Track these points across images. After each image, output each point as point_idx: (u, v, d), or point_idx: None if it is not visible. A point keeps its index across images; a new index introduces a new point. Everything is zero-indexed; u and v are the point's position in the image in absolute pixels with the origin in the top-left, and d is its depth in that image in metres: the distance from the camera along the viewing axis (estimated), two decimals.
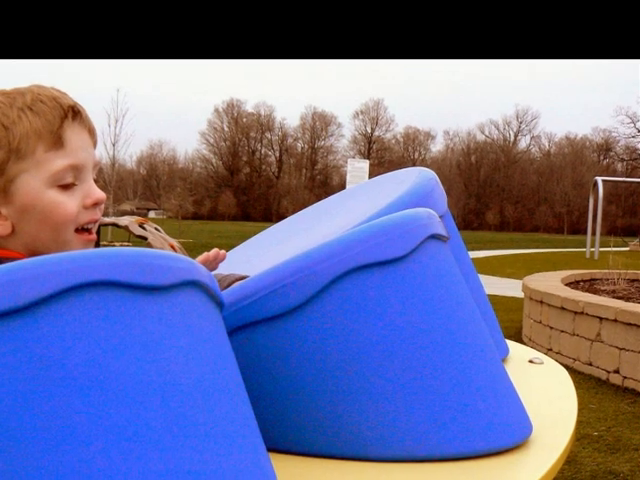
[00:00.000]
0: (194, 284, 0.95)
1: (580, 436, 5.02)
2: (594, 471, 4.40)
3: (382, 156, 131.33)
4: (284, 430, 1.29)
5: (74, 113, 1.37)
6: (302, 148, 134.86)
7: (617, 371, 6.65)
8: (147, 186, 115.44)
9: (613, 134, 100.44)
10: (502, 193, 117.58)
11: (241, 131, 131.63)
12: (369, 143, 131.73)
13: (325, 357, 1.26)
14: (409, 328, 1.28)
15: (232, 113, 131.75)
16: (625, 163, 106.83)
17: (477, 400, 1.31)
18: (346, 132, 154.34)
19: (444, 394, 1.28)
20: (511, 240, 54.04)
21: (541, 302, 8.45)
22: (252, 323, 1.28)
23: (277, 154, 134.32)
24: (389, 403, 1.26)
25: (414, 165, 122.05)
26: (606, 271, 10.49)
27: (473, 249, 36.52)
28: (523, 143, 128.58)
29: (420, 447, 1.26)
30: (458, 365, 1.31)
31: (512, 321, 10.61)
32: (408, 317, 1.29)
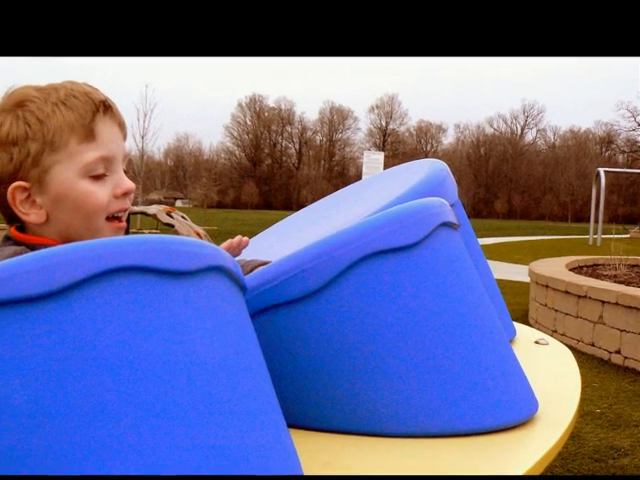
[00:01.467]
0: (218, 269, 0.94)
1: (583, 413, 5.00)
2: (596, 446, 4.38)
3: (396, 148, 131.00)
4: (304, 407, 1.29)
5: (105, 107, 1.37)
6: (321, 141, 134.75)
7: (618, 351, 6.62)
8: (174, 177, 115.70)
9: (615, 127, 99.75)
10: (510, 183, 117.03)
11: (263, 124, 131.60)
12: (384, 136, 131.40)
13: (342, 338, 1.25)
14: (422, 311, 1.27)
15: (254, 107, 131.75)
16: (626, 155, 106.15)
17: (486, 379, 1.29)
18: (362, 125, 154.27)
19: (455, 373, 1.27)
20: (518, 227, 53.77)
21: (546, 286, 8.40)
22: (273, 306, 1.27)
23: (297, 146, 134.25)
24: (403, 382, 1.25)
25: (426, 157, 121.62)
26: (608, 257, 10.42)
27: (482, 236, 36.36)
28: (529, 136, 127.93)
29: (433, 423, 1.25)
30: (468, 346, 1.30)
31: (519, 304, 10.56)
32: (421, 300, 1.28)
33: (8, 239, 1.38)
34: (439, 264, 1.33)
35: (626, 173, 48.09)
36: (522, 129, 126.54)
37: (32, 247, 1.31)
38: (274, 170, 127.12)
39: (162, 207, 12.76)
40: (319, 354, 1.26)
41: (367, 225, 1.28)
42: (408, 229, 1.29)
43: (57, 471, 0.75)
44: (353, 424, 1.26)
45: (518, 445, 1.29)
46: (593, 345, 7.06)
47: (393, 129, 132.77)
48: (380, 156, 22.58)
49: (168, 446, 0.79)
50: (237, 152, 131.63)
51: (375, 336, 1.25)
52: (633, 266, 9.94)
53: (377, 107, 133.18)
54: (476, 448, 1.25)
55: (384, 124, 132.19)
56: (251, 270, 1.66)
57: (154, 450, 0.78)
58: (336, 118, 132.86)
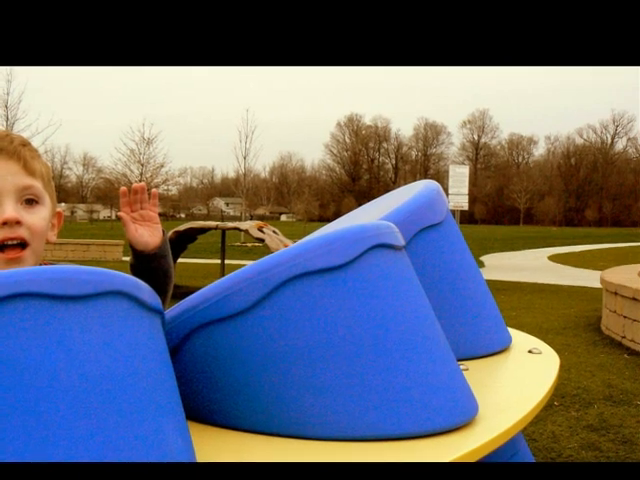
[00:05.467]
0: (116, 293, 1.00)
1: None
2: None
3: (488, 161, 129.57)
4: (235, 410, 1.35)
5: None
6: (416, 155, 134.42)
7: None
8: (279, 193, 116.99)
9: None
10: (600, 192, 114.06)
11: (361, 142, 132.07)
12: (476, 149, 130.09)
13: (270, 352, 1.30)
14: (347, 326, 1.31)
15: (352, 126, 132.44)
16: None
17: (409, 390, 1.32)
18: (455, 140, 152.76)
19: (376, 386, 1.30)
20: (608, 235, 52.35)
21: (615, 293, 8.21)
22: (212, 322, 1.33)
23: (393, 162, 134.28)
24: (326, 391, 1.29)
25: (518, 168, 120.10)
26: None
27: (570, 244, 35.61)
28: (620, 145, 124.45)
29: (355, 428, 1.29)
30: (387, 359, 1.32)
31: (595, 310, 10.34)
32: (347, 317, 1.32)
33: None
34: (368, 283, 1.36)
35: None
36: (612, 138, 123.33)
37: None
38: (372, 185, 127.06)
39: (254, 223, 12.97)
40: (249, 364, 1.31)
41: (296, 248, 1.33)
42: (336, 251, 1.34)
43: None
44: (277, 427, 1.31)
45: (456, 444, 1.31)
46: None
47: (485, 142, 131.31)
48: (465, 169, 22.40)
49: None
50: (337, 168, 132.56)
51: (302, 350, 1.29)
52: None
53: (469, 122, 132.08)
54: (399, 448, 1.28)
55: (476, 138, 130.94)
56: None
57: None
58: (430, 134, 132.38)
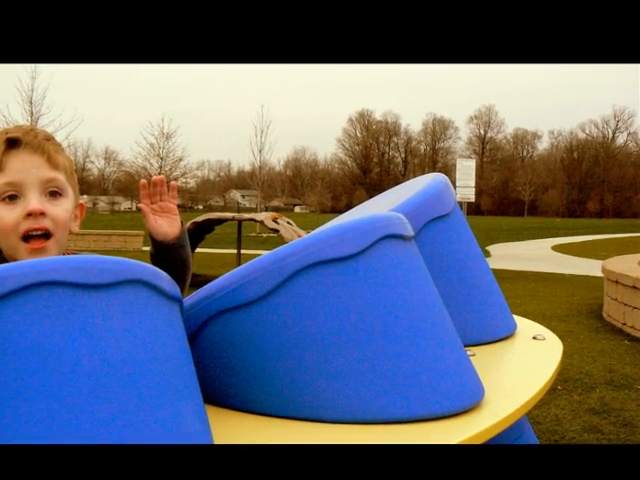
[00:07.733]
0: (136, 282, 1.00)
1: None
2: None
3: (494, 155, 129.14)
4: (252, 395, 1.34)
5: (10, 144, 1.49)
6: (424, 150, 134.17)
7: None
8: (293, 185, 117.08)
9: None
10: (602, 184, 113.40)
11: (371, 136, 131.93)
12: (483, 144, 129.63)
13: (285, 338, 1.30)
14: (358, 313, 1.31)
15: (363, 121, 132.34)
16: None
17: (417, 375, 1.32)
18: (462, 135, 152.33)
19: (386, 370, 1.30)
20: (608, 226, 52.10)
21: (616, 282, 8.16)
22: (228, 309, 1.33)
23: (403, 155, 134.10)
24: (338, 376, 1.29)
25: (523, 162, 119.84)
26: None
27: (573, 235, 35.47)
28: (620, 139, 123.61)
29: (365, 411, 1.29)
30: (397, 345, 1.31)
31: (596, 298, 10.29)
32: (358, 304, 1.32)
33: None
34: (379, 272, 1.36)
35: None
36: (613, 133, 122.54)
37: None
38: (382, 177, 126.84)
39: (269, 214, 12.95)
40: (264, 350, 1.31)
41: (310, 238, 1.33)
42: (348, 241, 1.33)
43: None
44: (292, 410, 1.31)
45: (463, 426, 1.31)
46: None
47: (491, 137, 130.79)
48: (472, 163, 22.28)
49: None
50: (349, 162, 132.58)
51: (315, 336, 1.29)
52: None
53: (475, 117, 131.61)
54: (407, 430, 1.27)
55: (482, 133, 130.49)
56: None
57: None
58: (438, 128, 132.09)
